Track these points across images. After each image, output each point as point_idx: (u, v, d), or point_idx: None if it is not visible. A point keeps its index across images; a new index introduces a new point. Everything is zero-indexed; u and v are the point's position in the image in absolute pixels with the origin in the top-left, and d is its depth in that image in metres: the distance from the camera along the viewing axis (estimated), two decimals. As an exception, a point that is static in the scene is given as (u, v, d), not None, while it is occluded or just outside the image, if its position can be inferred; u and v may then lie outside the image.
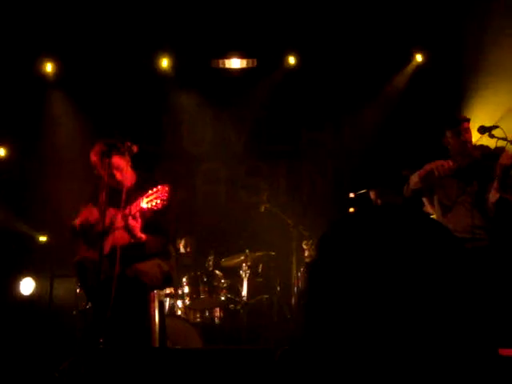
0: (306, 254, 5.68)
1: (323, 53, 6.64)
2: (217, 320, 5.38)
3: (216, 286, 5.42)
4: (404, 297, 0.85)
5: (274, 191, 6.52)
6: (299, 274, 5.61)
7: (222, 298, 5.38)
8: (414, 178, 3.83)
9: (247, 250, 5.65)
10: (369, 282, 0.87)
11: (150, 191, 3.69)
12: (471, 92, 5.62)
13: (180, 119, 6.99)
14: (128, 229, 3.69)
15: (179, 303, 5.33)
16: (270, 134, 7.05)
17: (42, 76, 6.57)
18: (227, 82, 6.89)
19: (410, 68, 6.81)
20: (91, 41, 6.25)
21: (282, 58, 6.87)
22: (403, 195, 3.92)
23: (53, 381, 3.72)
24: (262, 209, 5.87)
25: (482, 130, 3.68)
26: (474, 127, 3.80)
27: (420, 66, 6.78)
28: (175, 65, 6.82)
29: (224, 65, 6.90)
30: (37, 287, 6.00)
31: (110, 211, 3.75)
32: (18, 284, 5.95)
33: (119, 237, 3.77)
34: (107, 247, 3.71)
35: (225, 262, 5.82)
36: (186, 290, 5.35)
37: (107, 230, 3.70)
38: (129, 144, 3.89)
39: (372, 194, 4.46)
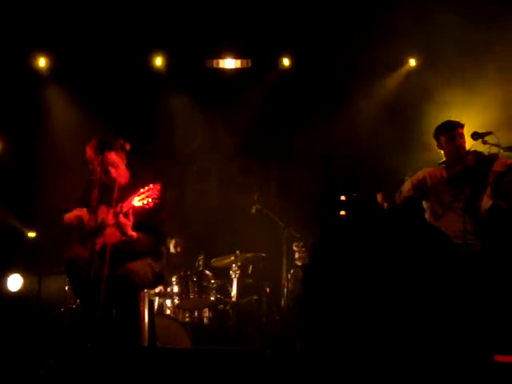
0: (297, 255, 5.69)
1: (317, 54, 6.66)
2: (206, 320, 5.37)
3: (205, 286, 5.41)
4: (398, 300, 0.86)
5: (264, 192, 6.53)
6: (289, 275, 5.62)
7: (212, 298, 5.37)
8: (407, 185, 3.85)
9: (237, 251, 5.66)
10: (363, 285, 0.87)
11: (141, 190, 3.67)
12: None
13: (172, 118, 6.97)
14: (119, 226, 3.67)
15: (168, 302, 5.32)
16: (261, 135, 7.05)
17: (36, 70, 6.54)
18: (221, 82, 6.89)
19: (404, 70, 6.87)
20: (86, 38, 6.22)
21: (277, 60, 6.88)
22: (395, 202, 3.93)
23: (39, 378, 3.69)
24: (253, 210, 5.88)
25: (476, 135, 3.70)
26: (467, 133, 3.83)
27: (411, 70, 6.85)
28: (169, 64, 6.81)
29: (218, 65, 6.89)
30: (25, 284, 5.95)
31: (102, 208, 3.73)
32: (6, 280, 5.90)
33: (110, 234, 3.75)
34: (98, 245, 3.69)
35: (215, 262, 5.81)
36: (176, 289, 5.34)
37: (98, 228, 3.67)
38: (122, 141, 3.88)
39: (379, 197, 4.45)
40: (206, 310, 5.39)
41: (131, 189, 3.77)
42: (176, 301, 5.29)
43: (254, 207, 5.86)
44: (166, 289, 5.31)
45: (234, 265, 5.64)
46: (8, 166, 6.30)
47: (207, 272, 5.55)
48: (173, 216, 5.05)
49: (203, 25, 6.30)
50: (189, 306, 5.34)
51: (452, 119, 3.99)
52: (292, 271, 5.66)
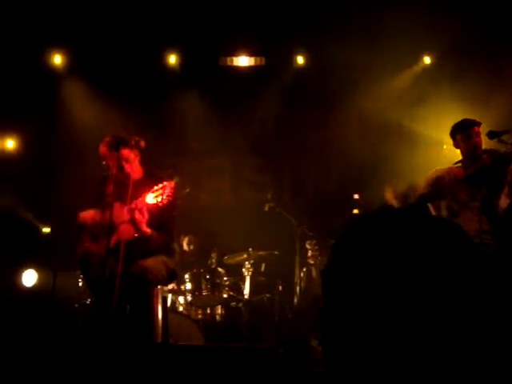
0: (309, 253, 5.68)
1: (331, 51, 6.63)
2: (218, 317, 5.37)
3: (218, 284, 5.42)
4: (421, 299, 0.84)
5: (278, 191, 6.51)
6: (302, 273, 5.61)
7: (224, 296, 5.38)
8: (422, 183, 3.82)
9: (250, 249, 5.66)
10: (385, 284, 0.86)
11: (155, 187, 3.68)
12: None
13: (186, 116, 6.97)
14: (134, 223, 3.68)
15: (181, 299, 5.33)
16: (275, 133, 7.04)
17: (52, 67, 6.59)
18: (235, 80, 6.88)
19: (419, 67, 6.82)
20: (102, 35, 6.25)
21: (290, 57, 6.86)
22: (409, 201, 3.90)
23: (53, 373, 3.72)
24: (266, 208, 5.87)
25: (491, 134, 3.66)
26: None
27: (427, 68, 6.80)
28: (183, 61, 6.82)
29: (232, 62, 6.89)
30: (39, 279, 5.99)
31: (116, 205, 3.74)
32: (21, 276, 5.94)
33: (124, 231, 3.77)
34: (112, 242, 3.70)
35: (228, 259, 5.82)
36: (189, 286, 5.35)
37: (113, 224, 3.69)
38: (136, 138, 3.89)
39: (388, 194, 4.41)
40: (219, 307, 5.39)
41: (145, 186, 3.79)
42: (189, 298, 5.31)
43: (267, 205, 5.85)
44: (179, 286, 5.32)
45: (246, 262, 5.65)
46: (24, 162, 6.36)
47: (220, 269, 5.56)
48: (186, 213, 5.07)
49: (217, 22, 6.30)
50: (201, 303, 5.35)
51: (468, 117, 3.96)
52: (305, 269, 5.65)
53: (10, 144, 6.39)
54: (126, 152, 3.85)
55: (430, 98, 6.33)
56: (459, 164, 3.87)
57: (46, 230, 6.24)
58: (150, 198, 3.66)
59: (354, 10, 6.15)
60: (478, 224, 3.61)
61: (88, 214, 3.91)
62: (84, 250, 3.87)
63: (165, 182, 3.68)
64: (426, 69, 6.80)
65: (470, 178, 3.72)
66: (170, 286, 5.11)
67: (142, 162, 4.06)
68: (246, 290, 5.55)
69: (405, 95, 6.71)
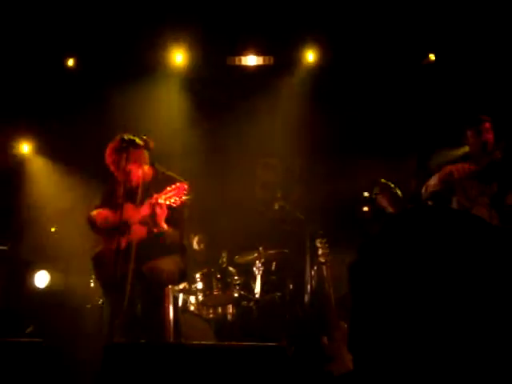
0: (320, 252, 5.65)
1: (339, 49, 6.61)
2: (229, 316, 5.39)
3: (229, 283, 5.43)
4: (451, 297, 0.84)
5: (288, 188, 6.50)
6: (312, 272, 5.60)
7: (235, 295, 5.39)
8: (433, 180, 3.81)
9: (261, 248, 5.65)
10: (414, 282, 0.85)
11: (168, 188, 3.69)
12: None
13: (191, 115, 6.96)
14: (153, 217, 3.67)
15: (192, 299, 5.35)
16: (284, 132, 7.01)
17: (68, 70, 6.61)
18: (243, 79, 6.87)
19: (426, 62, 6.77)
20: (108, 36, 6.27)
21: (299, 56, 6.83)
22: (421, 197, 3.89)
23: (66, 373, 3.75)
24: (276, 206, 5.86)
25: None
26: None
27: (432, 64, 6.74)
28: (190, 61, 6.83)
29: (240, 62, 6.88)
30: (52, 280, 6.03)
31: (127, 206, 3.75)
32: (33, 277, 5.98)
33: (135, 232, 3.79)
34: (124, 242, 3.72)
35: (238, 258, 5.82)
36: (200, 285, 5.36)
37: (124, 225, 3.70)
38: (145, 139, 3.90)
39: (381, 201, 4.34)
40: (230, 306, 5.40)
41: (156, 187, 3.80)
42: (200, 297, 5.32)
43: (277, 204, 5.84)
44: (190, 286, 5.34)
45: (257, 261, 5.65)
46: (38, 164, 6.40)
47: (231, 269, 5.57)
48: (196, 213, 5.07)
49: (224, 22, 6.29)
50: (212, 302, 5.36)
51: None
52: (315, 268, 5.64)
53: (26, 148, 6.47)
54: (135, 154, 3.85)
55: (440, 95, 6.28)
56: (470, 160, 3.85)
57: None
58: (163, 200, 3.67)
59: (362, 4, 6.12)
60: (489, 220, 3.58)
61: (101, 214, 3.93)
62: (99, 248, 3.90)
63: (177, 183, 3.70)
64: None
65: (480, 174, 3.70)
66: (182, 286, 5.13)
67: (152, 163, 4.07)
68: (257, 289, 5.55)
69: (416, 91, 6.64)
